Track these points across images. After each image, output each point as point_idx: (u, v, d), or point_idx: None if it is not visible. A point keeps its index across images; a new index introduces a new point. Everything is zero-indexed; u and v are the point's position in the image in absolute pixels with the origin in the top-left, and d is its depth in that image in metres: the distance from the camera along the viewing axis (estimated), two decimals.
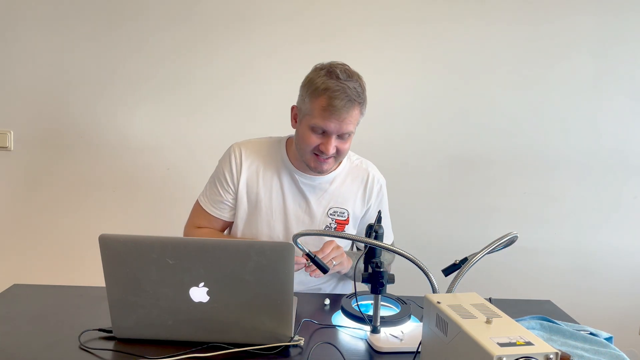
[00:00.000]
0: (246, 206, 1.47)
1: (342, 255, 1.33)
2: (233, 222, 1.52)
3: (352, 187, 1.50)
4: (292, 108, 1.42)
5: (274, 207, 1.46)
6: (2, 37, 2.05)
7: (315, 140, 1.34)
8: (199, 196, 1.52)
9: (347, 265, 1.36)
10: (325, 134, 1.33)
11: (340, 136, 1.34)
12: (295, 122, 1.41)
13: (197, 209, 1.52)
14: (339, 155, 1.38)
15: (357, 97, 1.32)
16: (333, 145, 1.33)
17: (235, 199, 1.47)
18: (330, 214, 1.47)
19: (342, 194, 1.48)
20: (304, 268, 1.28)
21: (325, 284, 1.53)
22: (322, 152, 1.34)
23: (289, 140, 1.50)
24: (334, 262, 1.30)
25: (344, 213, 1.48)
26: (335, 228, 1.47)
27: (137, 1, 2.05)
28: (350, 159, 1.53)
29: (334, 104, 1.28)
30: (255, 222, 1.46)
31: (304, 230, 1.22)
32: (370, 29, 2.09)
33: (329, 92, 1.28)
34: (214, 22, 2.07)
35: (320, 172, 1.42)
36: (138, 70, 2.08)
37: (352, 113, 1.32)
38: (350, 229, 1.50)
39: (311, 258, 1.19)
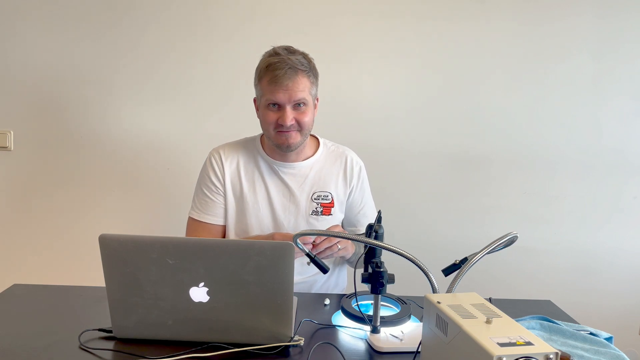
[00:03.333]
0: (234, 204, 1.50)
1: (346, 240, 1.37)
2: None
3: (332, 170, 1.54)
4: (254, 100, 1.48)
5: (259, 200, 1.49)
6: (2, 37, 2.05)
7: (273, 116, 1.39)
8: (189, 213, 1.53)
9: (350, 250, 1.42)
10: (279, 107, 1.38)
11: (296, 107, 1.39)
12: (258, 110, 1.46)
13: (192, 224, 1.52)
14: (301, 127, 1.41)
15: (300, 66, 1.37)
16: (290, 116, 1.38)
17: (225, 199, 1.50)
18: (315, 199, 1.50)
19: (323, 178, 1.52)
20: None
21: (318, 274, 1.54)
22: (281, 125, 1.39)
23: (262, 136, 1.54)
24: (339, 247, 1.34)
25: (327, 196, 1.51)
26: (321, 212, 1.50)
27: (139, 3, 2.05)
28: (326, 145, 1.58)
29: (276, 74, 1.34)
30: (244, 218, 1.49)
31: (304, 230, 1.22)
32: (369, 29, 2.09)
33: (271, 67, 1.35)
34: (214, 22, 2.07)
35: (288, 147, 1.44)
36: (138, 70, 2.08)
37: (298, 80, 1.36)
38: (336, 212, 1.53)
39: (311, 258, 1.19)
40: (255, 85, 1.43)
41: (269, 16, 2.07)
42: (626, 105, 2.15)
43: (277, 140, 1.43)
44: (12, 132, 2.10)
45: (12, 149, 2.11)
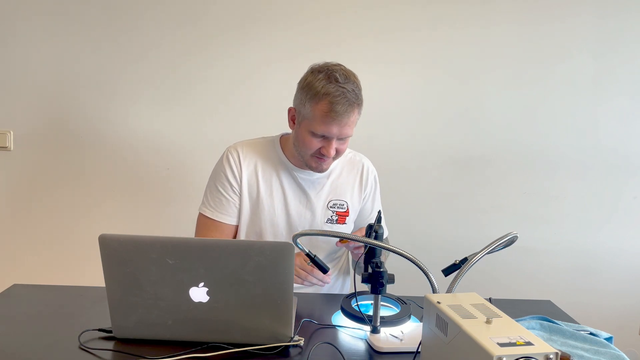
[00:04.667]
0: (248, 206, 1.46)
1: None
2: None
3: (349, 179, 1.52)
4: (290, 110, 1.42)
5: (275, 205, 1.46)
6: (3, 37, 2.05)
7: (316, 144, 1.35)
8: (200, 210, 1.47)
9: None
10: (325, 137, 1.34)
11: (341, 138, 1.36)
12: (294, 123, 1.41)
13: (204, 223, 1.46)
14: (337, 155, 1.39)
15: (356, 99, 1.33)
16: (334, 148, 1.35)
17: (240, 199, 1.46)
18: (331, 207, 1.49)
19: (340, 186, 1.51)
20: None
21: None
22: (323, 155, 1.36)
23: (282, 138, 1.51)
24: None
25: (343, 205, 1.50)
26: (336, 220, 1.49)
27: (138, 2, 2.05)
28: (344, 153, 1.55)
29: (336, 109, 1.28)
30: (258, 221, 1.46)
31: (304, 230, 1.22)
32: (370, 30, 2.09)
33: (330, 98, 1.28)
34: (214, 24, 2.07)
35: (321, 171, 1.43)
36: (138, 70, 2.08)
37: (352, 116, 1.33)
38: (350, 222, 1.52)
39: (311, 258, 1.19)
40: (302, 103, 1.34)
41: (270, 20, 2.07)
42: (626, 105, 2.15)
43: (310, 163, 1.40)
44: (12, 132, 2.10)
45: (12, 149, 2.11)
